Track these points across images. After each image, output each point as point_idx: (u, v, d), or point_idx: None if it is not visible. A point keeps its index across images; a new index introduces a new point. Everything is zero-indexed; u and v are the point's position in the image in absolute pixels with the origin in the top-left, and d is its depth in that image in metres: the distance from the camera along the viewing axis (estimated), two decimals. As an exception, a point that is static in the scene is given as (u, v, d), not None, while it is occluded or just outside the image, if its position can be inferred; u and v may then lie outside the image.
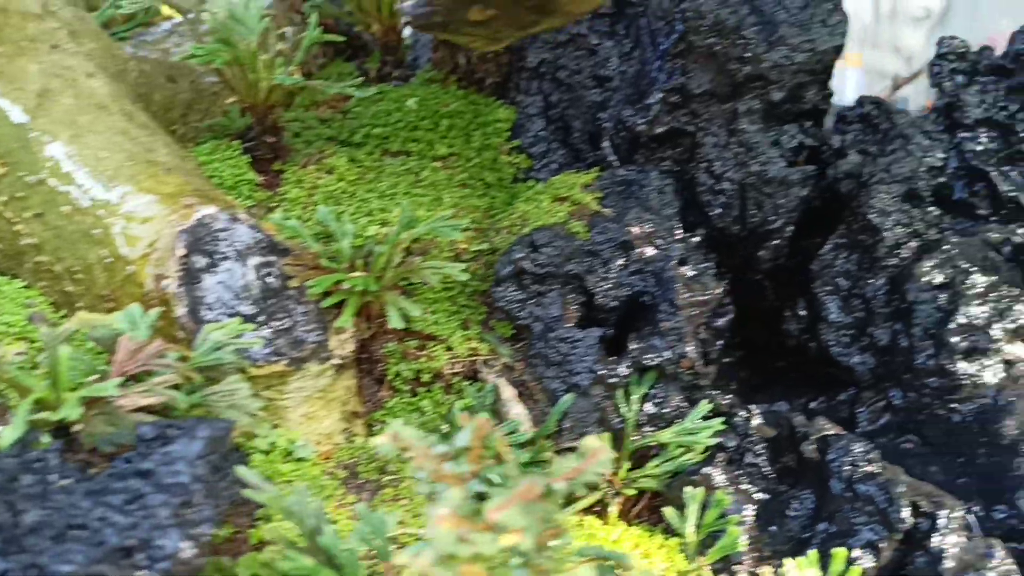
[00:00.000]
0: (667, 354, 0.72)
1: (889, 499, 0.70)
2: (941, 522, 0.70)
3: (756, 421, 0.87)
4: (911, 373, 0.83)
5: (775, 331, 0.94)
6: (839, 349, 0.87)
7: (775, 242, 0.85)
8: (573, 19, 0.59)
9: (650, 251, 0.77)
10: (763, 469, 0.78)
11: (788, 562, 0.64)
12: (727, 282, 0.92)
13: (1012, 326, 0.81)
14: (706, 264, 0.77)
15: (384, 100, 0.92)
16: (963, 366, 0.80)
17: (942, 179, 0.94)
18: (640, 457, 0.74)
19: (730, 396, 0.83)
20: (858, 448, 0.74)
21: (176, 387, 0.57)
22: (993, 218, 0.92)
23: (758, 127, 0.84)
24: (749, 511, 0.72)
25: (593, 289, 0.76)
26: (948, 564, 0.69)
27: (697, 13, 0.78)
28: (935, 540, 0.70)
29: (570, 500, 0.70)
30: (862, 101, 0.96)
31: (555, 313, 0.74)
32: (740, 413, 0.82)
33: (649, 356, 0.72)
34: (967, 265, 0.83)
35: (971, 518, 0.77)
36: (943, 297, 0.82)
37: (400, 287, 0.72)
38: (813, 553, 0.66)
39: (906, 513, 0.70)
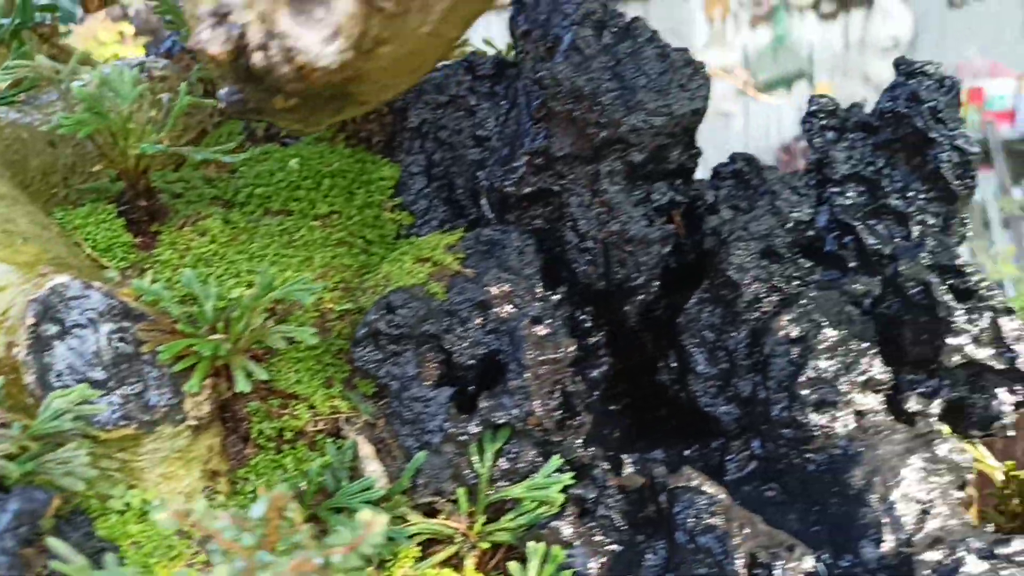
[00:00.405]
0: (515, 412, 0.75)
1: (725, 551, 0.73)
2: (777, 572, 0.73)
3: (628, 470, 0.90)
4: (769, 424, 0.86)
5: (654, 381, 0.97)
6: (706, 399, 0.91)
7: (640, 297, 0.89)
8: (375, 107, 0.62)
9: (507, 310, 0.80)
10: (616, 522, 0.80)
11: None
12: (604, 334, 0.95)
13: (860, 379, 0.85)
14: (560, 323, 0.80)
15: (269, 160, 0.94)
16: (814, 417, 0.84)
17: (811, 233, 0.98)
18: (496, 511, 0.77)
19: (593, 448, 0.85)
20: (702, 500, 0.77)
21: (11, 456, 0.59)
22: (861, 271, 0.95)
23: (620, 187, 0.87)
24: (595, 564, 0.75)
25: (451, 348, 0.79)
26: (784, 607, 0.71)
27: (554, 80, 0.81)
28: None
29: (427, 552, 0.73)
30: (734, 157, 1.00)
31: (411, 372, 0.77)
32: (602, 465, 0.85)
33: (497, 414, 0.75)
34: (821, 319, 0.87)
35: (820, 567, 0.80)
36: (796, 350, 0.85)
37: (257, 350, 0.75)
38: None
39: (740, 564, 0.73)
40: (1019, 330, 0.85)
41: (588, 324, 0.94)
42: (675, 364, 0.93)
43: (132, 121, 0.77)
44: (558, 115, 0.84)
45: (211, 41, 0.46)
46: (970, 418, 0.88)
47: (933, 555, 0.74)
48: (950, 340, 0.83)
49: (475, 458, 0.75)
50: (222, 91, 0.52)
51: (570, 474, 0.75)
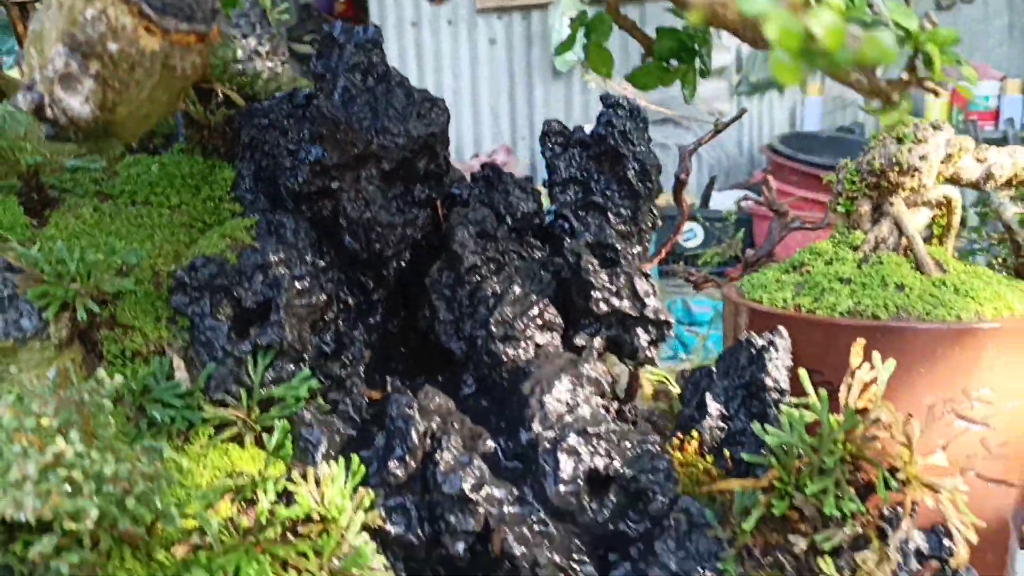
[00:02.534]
0: (274, 338, 1.12)
1: (407, 428, 1.10)
2: (443, 443, 1.10)
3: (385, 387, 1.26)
4: (478, 354, 1.23)
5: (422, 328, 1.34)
6: (446, 339, 1.27)
7: (393, 265, 1.25)
8: (133, 138, 0.98)
9: (280, 271, 1.16)
10: (355, 416, 1.17)
11: (324, 466, 1.04)
12: (381, 292, 1.32)
13: (539, 321, 1.21)
14: (318, 281, 1.17)
15: (139, 165, 1.32)
16: (503, 348, 1.20)
17: (537, 221, 1.35)
18: (267, 405, 1.14)
19: (350, 368, 1.22)
20: (404, 400, 1.13)
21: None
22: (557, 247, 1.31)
23: (375, 187, 1.24)
24: (326, 440, 1.12)
25: (239, 297, 1.16)
26: (442, 468, 1.08)
27: (320, 113, 1.18)
28: (438, 455, 1.09)
29: (218, 432, 1.10)
30: (484, 167, 1.37)
31: (207, 311, 1.14)
32: (354, 379, 1.22)
33: (262, 339, 1.12)
34: (517, 280, 1.23)
35: (491, 443, 1.17)
36: (492, 302, 1.21)
37: (107, 296, 1.12)
38: (354, 458, 1.06)
39: (415, 436, 1.09)
40: (648, 288, 1.21)
41: (370, 285, 1.31)
42: (428, 314, 1.30)
43: (26, 140, 1.14)
44: (328, 137, 1.21)
45: (23, 102, 0.83)
46: (623, 351, 1.24)
47: (550, 433, 1.10)
48: (595, 294, 1.19)
49: (250, 369, 1.12)
50: (45, 127, 0.90)
51: (315, 381, 1.12)
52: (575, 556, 1.10)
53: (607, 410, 1.18)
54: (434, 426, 1.08)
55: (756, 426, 1.01)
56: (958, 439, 1.32)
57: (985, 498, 1.37)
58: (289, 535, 0.97)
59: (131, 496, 0.83)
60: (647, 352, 1.22)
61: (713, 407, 1.17)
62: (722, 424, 1.18)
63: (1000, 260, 1.68)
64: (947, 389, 1.32)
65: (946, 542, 1.04)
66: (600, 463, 1.09)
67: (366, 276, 1.29)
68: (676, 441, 1.17)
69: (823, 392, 1.01)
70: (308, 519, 0.99)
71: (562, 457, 1.08)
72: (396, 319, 1.37)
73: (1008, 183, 1.55)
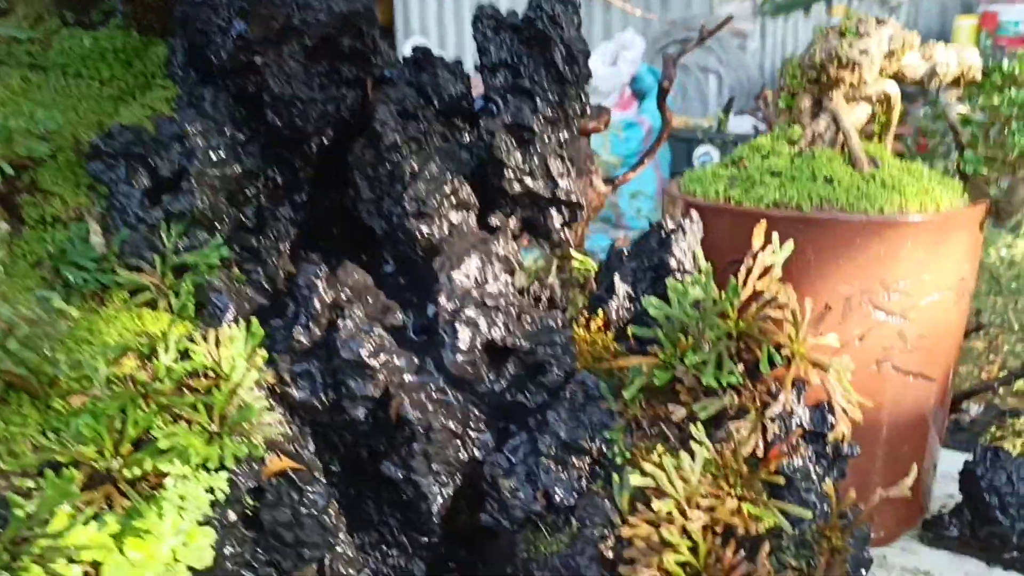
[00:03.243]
0: (185, 205, 1.15)
1: (308, 296, 1.13)
2: (347, 312, 1.13)
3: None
4: (395, 231, 1.25)
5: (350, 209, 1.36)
6: (367, 217, 1.30)
7: (314, 141, 1.27)
8: None
9: (198, 141, 1.19)
10: (268, 287, 1.21)
11: (226, 328, 1.08)
12: (309, 170, 1.34)
13: (453, 200, 1.23)
14: (234, 153, 1.19)
15: (73, 39, 1.34)
16: (417, 225, 1.22)
17: (466, 104, 1.36)
18: (181, 270, 1.17)
19: (271, 241, 1.25)
20: (311, 270, 1.16)
21: None
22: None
23: (298, 63, 1.25)
24: (234, 306, 1.15)
25: (155, 165, 1.19)
26: (343, 335, 1.11)
27: (239, -15, 1.19)
28: (340, 324, 1.12)
29: (133, 296, 1.14)
30: (415, 49, 1.37)
31: (123, 178, 1.17)
32: (273, 251, 1.25)
33: (173, 206, 1.15)
34: (435, 159, 1.25)
35: (401, 316, 1.20)
36: (408, 179, 1.23)
37: (26, 161, 1.15)
38: (253, 321, 1.09)
39: (317, 304, 1.13)
40: (563, 169, 1.22)
41: (297, 164, 1.33)
42: (352, 192, 1.32)
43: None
44: (251, 11, 1.21)
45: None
46: (538, 232, 1.26)
47: (451, 305, 1.13)
48: (508, 173, 1.21)
49: (164, 235, 1.15)
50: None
51: (227, 249, 1.15)
52: (472, 424, 1.14)
53: (516, 288, 1.21)
54: (343, 296, 1.11)
55: (645, 300, 1.03)
56: (875, 331, 1.34)
57: (903, 392, 1.40)
58: (185, 390, 1.02)
59: (12, 338, 0.86)
60: (560, 234, 1.24)
61: (621, 288, 1.20)
62: (628, 304, 1.21)
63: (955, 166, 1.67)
64: (866, 281, 1.33)
65: (831, 419, 1.07)
66: (498, 335, 1.12)
67: (292, 154, 1.31)
68: (583, 320, 1.20)
69: (707, 266, 1.03)
70: (203, 375, 1.03)
71: (460, 328, 1.11)
72: (327, 199, 1.39)
73: (955, 82, 1.54)
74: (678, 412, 1.02)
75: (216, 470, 0.93)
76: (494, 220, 1.25)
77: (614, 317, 1.20)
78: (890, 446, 1.42)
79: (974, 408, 2.41)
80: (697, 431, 0.99)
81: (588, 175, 2.73)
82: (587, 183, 2.81)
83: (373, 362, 1.10)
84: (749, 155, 1.51)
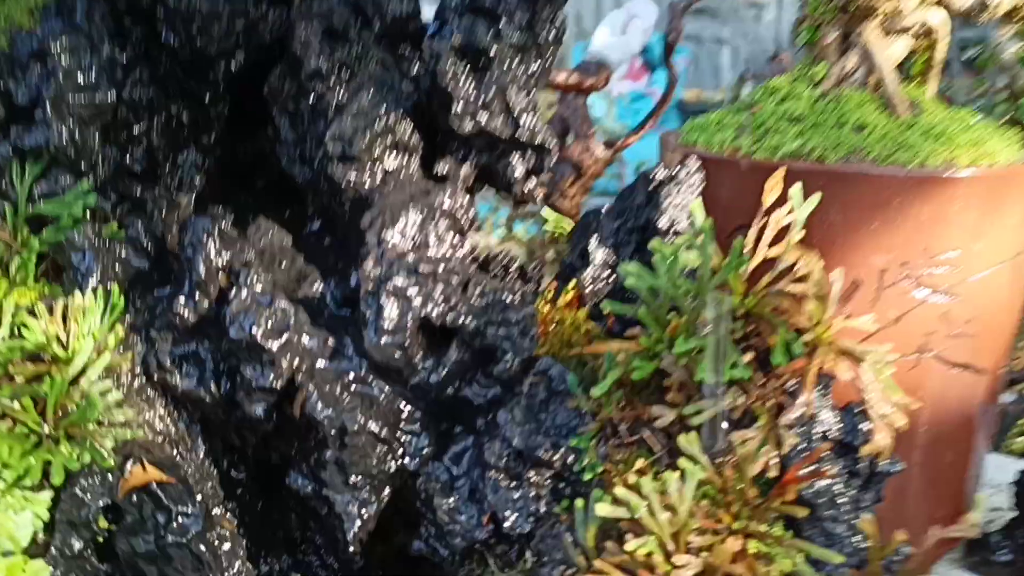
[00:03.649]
0: (40, 140, 0.90)
1: (194, 258, 0.88)
2: (241, 281, 0.88)
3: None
4: (317, 179, 1.00)
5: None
6: (287, 162, 1.04)
7: (222, 65, 1.01)
8: None
9: (64, 61, 0.93)
10: (147, 247, 0.96)
11: (79, 296, 0.83)
12: (223, 107, 1.08)
13: (388, 140, 0.97)
14: (107, 76, 0.93)
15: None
16: (341, 171, 0.97)
17: (414, 26, 1.10)
18: (40, 223, 0.92)
19: (166, 191, 1.00)
20: (201, 224, 0.91)
21: None
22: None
23: (197, -33, 0.99)
24: (98, 268, 0.90)
25: (11, 90, 0.93)
26: (233, 309, 0.86)
27: None
28: (233, 292, 0.87)
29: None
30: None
31: (-36, 105, 0.91)
32: (160, 203, 0.99)
33: (24, 139, 0.90)
34: (368, 89, 0.99)
35: (320, 286, 0.95)
36: (332, 114, 0.98)
37: None
38: (114, 289, 0.84)
39: (202, 269, 0.88)
40: (526, 103, 0.96)
41: (206, 97, 1.07)
42: (272, 133, 1.06)
43: None
44: None
45: None
46: (497, 182, 1.01)
47: (378, 272, 0.88)
48: (456, 107, 0.95)
49: (16, 180, 0.90)
50: None
51: (94, 196, 0.90)
52: (402, 425, 0.89)
53: (469, 253, 0.95)
54: (242, 260, 0.86)
55: (623, 266, 0.77)
56: (915, 312, 1.08)
57: (947, 387, 1.15)
58: (12, 378, 0.77)
59: None
60: (523, 185, 0.99)
61: (598, 253, 0.94)
62: (607, 274, 0.95)
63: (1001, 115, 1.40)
64: (905, 250, 1.08)
65: (864, 426, 0.81)
66: (435, 310, 0.87)
67: (201, 85, 1.05)
68: (550, 293, 0.94)
69: (708, 221, 0.77)
70: (43, 359, 0.78)
71: (386, 301, 0.86)
72: (250, 143, 1.13)
73: (1008, 16, 1.27)
74: (664, 416, 0.77)
75: (35, 488, 0.68)
76: (442, 167, 0.99)
77: (588, 290, 0.95)
78: (929, 454, 1.17)
79: (1007, 397, 2.13)
80: (688, 442, 0.73)
81: (586, 138, 2.47)
82: (585, 147, 2.54)
83: (271, 344, 0.85)
84: (763, 98, 1.25)
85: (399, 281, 0.87)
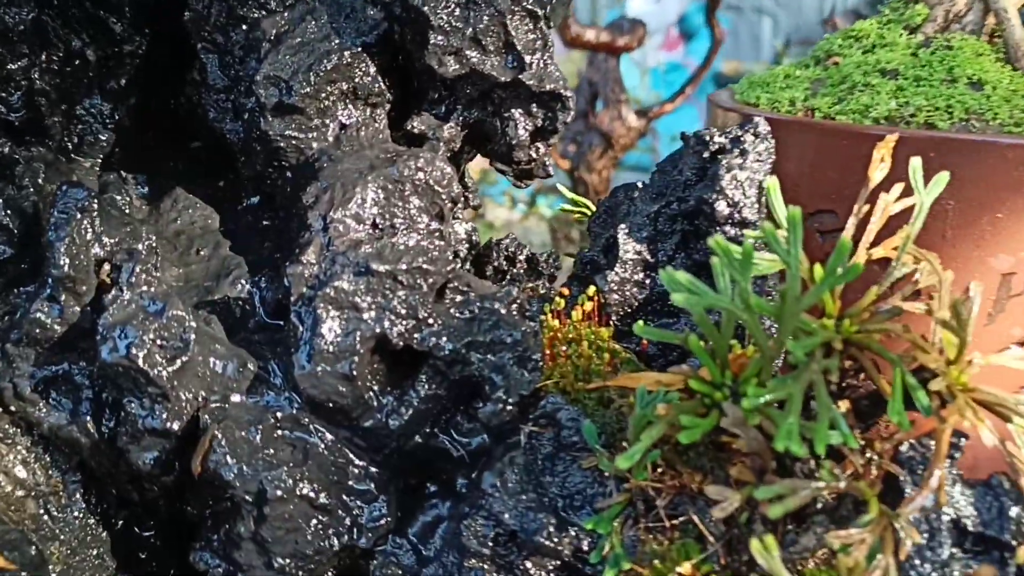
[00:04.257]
0: None
1: (56, 247, 0.62)
2: (123, 276, 0.62)
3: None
4: (252, 139, 0.73)
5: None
6: (216, 115, 0.78)
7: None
8: None
9: None
10: (11, 226, 0.70)
11: None
12: (136, 42, 0.83)
13: (344, 86, 0.71)
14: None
15: None
16: (279, 125, 0.71)
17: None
18: None
19: (49, 148, 0.74)
20: (72, 195, 0.65)
21: None
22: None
23: None
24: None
25: None
26: (108, 320, 0.61)
27: None
28: (108, 297, 0.62)
29: None
30: None
31: None
32: (42, 166, 0.74)
33: None
34: (319, 16, 0.72)
35: (245, 285, 0.69)
36: (267, 47, 0.71)
37: None
38: None
39: (67, 263, 0.62)
40: (534, 38, 0.69)
41: (118, 31, 0.81)
42: (198, 76, 0.80)
43: None
44: None
45: None
46: (494, 146, 0.74)
47: (314, 270, 0.62)
48: (436, 38, 0.68)
49: None
50: None
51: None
52: (353, 486, 0.63)
53: (454, 244, 0.69)
54: (135, 248, 0.60)
55: (666, 274, 0.50)
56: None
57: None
58: None
59: None
60: (530, 150, 0.72)
61: (628, 247, 0.67)
62: (642, 277, 0.68)
63: None
64: (1038, 247, 0.80)
65: (1015, 510, 0.54)
66: (395, 327, 0.61)
67: (109, 11, 0.79)
68: (559, 300, 0.68)
69: (796, 212, 0.50)
70: None
71: (325, 312, 0.60)
72: (180, 92, 0.87)
73: None
74: (725, 503, 0.50)
75: None
76: (417, 124, 0.73)
77: (615, 298, 0.68)
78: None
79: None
80: (763, 550, 0.47)
81: (618, 104, 2.18)
82: (616, 114, 2.25)
83: (159, 370, 0.59)
84: (843, 48, 0.97)
85: (344, 283, 0.60)
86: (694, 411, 0.53)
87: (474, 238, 0.97)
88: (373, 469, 0.63)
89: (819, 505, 0.53)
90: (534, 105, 0.70)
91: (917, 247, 0.69)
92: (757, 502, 0.51)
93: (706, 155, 0.68)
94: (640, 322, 0.53)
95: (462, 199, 0.70)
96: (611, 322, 0.70)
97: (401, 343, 0.61)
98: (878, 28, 0.98)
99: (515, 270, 0.96)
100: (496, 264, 0.95)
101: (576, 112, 2.65)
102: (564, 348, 0.68)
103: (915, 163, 0.61)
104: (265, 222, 0.76)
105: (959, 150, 0.80)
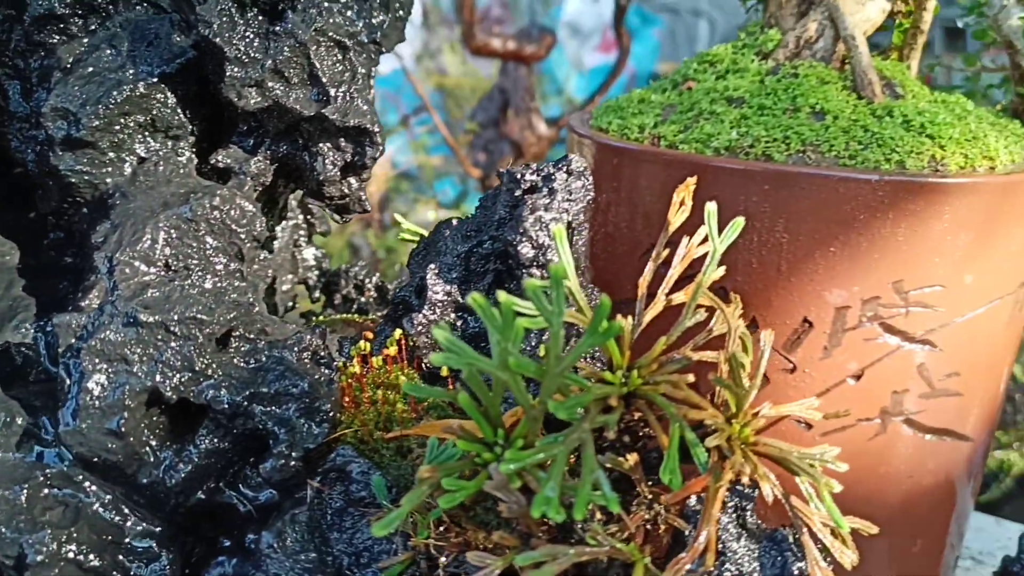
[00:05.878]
0: None
1: None
2: None
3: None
4: (45, 176, 0.70)
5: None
6: (18, 144, 0.74)
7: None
8: None
9: None
10: None
11: None
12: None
13: (138, 118, 0.68)
14: None
15: None
16: (69, 160, 0.67)
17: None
18: None
19: None
20: None
21: None
22: None
23: None
24: None
25: None
26: None
27: None
28: None
29: None
30: None
31: None
32: None
33: None
34: (121, 41, 0.69)
35: (31, 330, 0.65)
36: (58, 77, 0.68)
37: None
38: None
39: None
40: (340, 69, 0.67)
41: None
42: (2, 102, 0.76)
43: None
44: None
45: None
46: (304, 181, 0.71)
47: (83, 318, 0.58)
48: (233, 70, 0.65)
49: None
50: None
51: None
52: (132, 543, 0.59)
53: (254, 283, 0.66)
54: None
55: (435, 329, 0.48)
56: (882, 364, 0.81)
57: (921, 459, 0.88)
58: None
59: None
60: (341, 185, 0.69)
61: (439, 289, 0.65)
62: (454, 319, 0.66)
63: (996, 103, 1.11)
64: (872, 282, 0.79)
65: (797, 567, 0.53)
66: (169, 380, 0.58)
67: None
68: (363, 344, 0.65)
69: (558, 268, 0.47)
70: None
71: (91, 364, 0.56)
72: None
73: (1017, -29, 0.98)
74: (487, 569, 0.48)
75: None
76: (223, 158, 0.70)
77: (424, 340, 0.65)
78: (894, 542, 0.89)
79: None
80: None
81: (527, 113, 2.15)
82: (526, 123, 2.23)
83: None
84: (698, 73, 0.96)
85: (112, 334, 0.57)
86: (462, 472, 0.51)
87: (324, 265, 0.94)
88: (155, 527, 0.60)
89: (589, 569, 0.51)
90: (342, 140, 0.68)
91: (723, 290, 0.68)
92: (518, 568, 0.49)
93: (517, 193, 0.66)
94: (405, 381, 0.51)
95: (266, 233, 0.67)
96: (423, 364, 0.67)
97: (176, 397, 0.58)
98: (732, 53, 0.97)
99: (362, 299, 0.93)
100: (345, 292, 0.92)
101: (487, 120, 2.63)
102: (370, 393, 0.65)
103: (710, 207, 0.59)
104: (68, 259, 0.72)
105: (793, 183, 0.79)
